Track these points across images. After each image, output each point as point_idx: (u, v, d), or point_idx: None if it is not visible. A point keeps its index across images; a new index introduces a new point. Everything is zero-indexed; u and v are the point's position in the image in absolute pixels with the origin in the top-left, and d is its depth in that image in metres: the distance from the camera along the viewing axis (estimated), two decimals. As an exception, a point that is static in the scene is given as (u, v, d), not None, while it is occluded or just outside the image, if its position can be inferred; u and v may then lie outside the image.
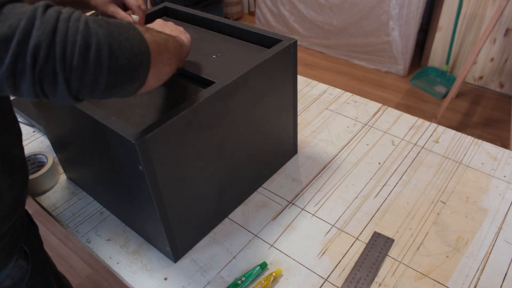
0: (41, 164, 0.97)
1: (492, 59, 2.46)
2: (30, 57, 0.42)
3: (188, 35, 0.76)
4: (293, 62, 0.84)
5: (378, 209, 0.86)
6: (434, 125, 1.07)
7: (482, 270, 0.74)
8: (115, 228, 0.87)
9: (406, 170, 0.95)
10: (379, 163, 0.97)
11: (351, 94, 1.20)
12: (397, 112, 1.12)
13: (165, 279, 0.77)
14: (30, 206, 0.97)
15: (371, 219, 0.85)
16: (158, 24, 0.76)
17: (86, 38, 0.45)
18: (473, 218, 0.83)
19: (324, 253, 0.79)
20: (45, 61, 0.43)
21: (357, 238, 0.81)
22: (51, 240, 1.90)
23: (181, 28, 0.77)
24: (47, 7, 0.45)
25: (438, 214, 0.85)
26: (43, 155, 0.97)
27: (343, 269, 0.76)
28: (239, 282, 0.74)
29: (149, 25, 0.74)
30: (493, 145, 1.00)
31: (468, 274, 0.74)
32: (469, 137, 1.02)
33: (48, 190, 0.96)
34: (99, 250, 0.83)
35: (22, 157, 0.72)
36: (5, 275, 0.71)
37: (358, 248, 0.79)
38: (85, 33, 0.45)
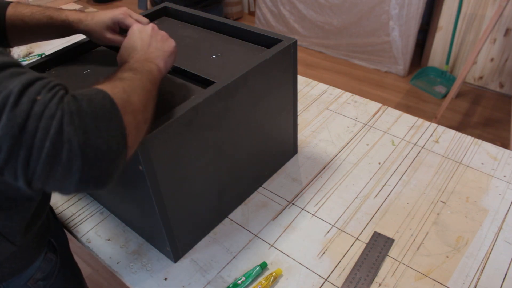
0: None
1: (492, 59, 2.45)
2: None
3: (171, 43, 0.68)
4: (293, 62, 0.84)
5: (378, 209, 0.86)
6: (434, 125, 1.07)
7: (482, 270, 0.74)
8: (115, 228, 0.87)
9: (406, 170, 0.95)
10: (379, 163, 0.97)
11: (351, 94, 1.20)
12: (397, 112, 1.12)
13: (165, 279, 0.77)
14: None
15: (371, 219, 0.85)
16: (135, 36, 0.66)
17: (56, 146, 0.39)
18: (473, 218, 0.83)
19: (324, 253, 0.79)
20: (4, 164, 0.39)
21: (357, 238, 0.81)
22: (51, 240, 1.90)
23: (162, 35, 0.68)
24: (22, 93, 0.39)
25: (438, 214, 0.85)
26: None
27: (343, 269, 0.76)
28: (239, 282, 0.74)
29: (125, 42, 0.67)
30: (493, 145, 1.00)
31: (468, 274, 0.74)
32: (469, 137, 1.02)
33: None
34: (99, 250, 0.82)
35: None
36: (35, 268, 0.73)
37: (358, 248, 0.79)
38: (56, 140, 0.39)
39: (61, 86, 0.43)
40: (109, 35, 0.78)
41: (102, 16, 0.77)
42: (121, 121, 0.45)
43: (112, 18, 0.76)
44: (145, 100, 0.53)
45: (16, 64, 0.43)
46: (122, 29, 0.79)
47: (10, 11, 0.75)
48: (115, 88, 0.48)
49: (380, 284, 0.73)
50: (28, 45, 1.54)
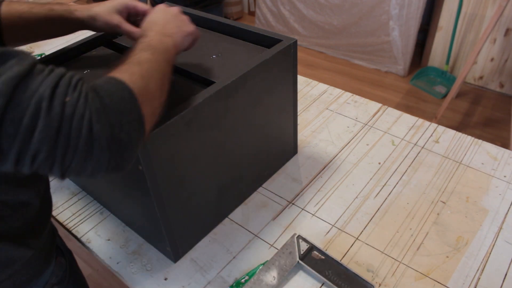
0: None
1: (492, 59, 2.45)
2: (30, 158, 0.43)
3: (191, 27, 0.70)
4: (293, 62, 0.84)
5: (378, 209, 0.86)
6: (434, 125, 1.07)
7: (482, 270, 0.74)
8: (115, 228, 0.87)
9: (406, 170, 0.95)
10: (379, 163, 0.97)
11: (351, 94, 1.20)
12: (397, 112, 1.12)
13: (165, 279, 0.77)
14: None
15: (371, 219, 0.85)
16: (160, 12, 0.69)
17: (88, 143, 0.44)
18: (473, 218, 0.83)
19: (324, 253, 0.79)
20: (43, 161, 0.43)
21: (357, 238, 0.81)
22: (51, 240, 1.90)
23: (184, 18, 0.70)
24: (52, 97, 0.42)
25: (438, 214, 0.85)
26: None
27: (343, 269, 0.76)
28: (243, 281, 0.74)
29: (148, 16, 0.68)
30: (493, 145, 1.00)
31: (468, 274, 0.74)
32: (469, 137, 1.02)
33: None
34: (99, 250, 0.83)
35: None
36: (50, 272, 0.73)
37: (358, 248, 0.79)
38: (88, 138, 0.44)
39: (81, 80, 0.46)
40: (116, 18, 0.74)
41: (109, 2, 0.74)
42: (139, 112, 0.49)
43: (122, 2, 0.74)
44: (161, 84, 0.55)
45: (34, 61, 0.45)
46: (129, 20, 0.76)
47: (4, 9, 0.71)
48: (133, 75, 0.51)
49: (380, 284, 0.73)
50: (28, 45, 1.54)
